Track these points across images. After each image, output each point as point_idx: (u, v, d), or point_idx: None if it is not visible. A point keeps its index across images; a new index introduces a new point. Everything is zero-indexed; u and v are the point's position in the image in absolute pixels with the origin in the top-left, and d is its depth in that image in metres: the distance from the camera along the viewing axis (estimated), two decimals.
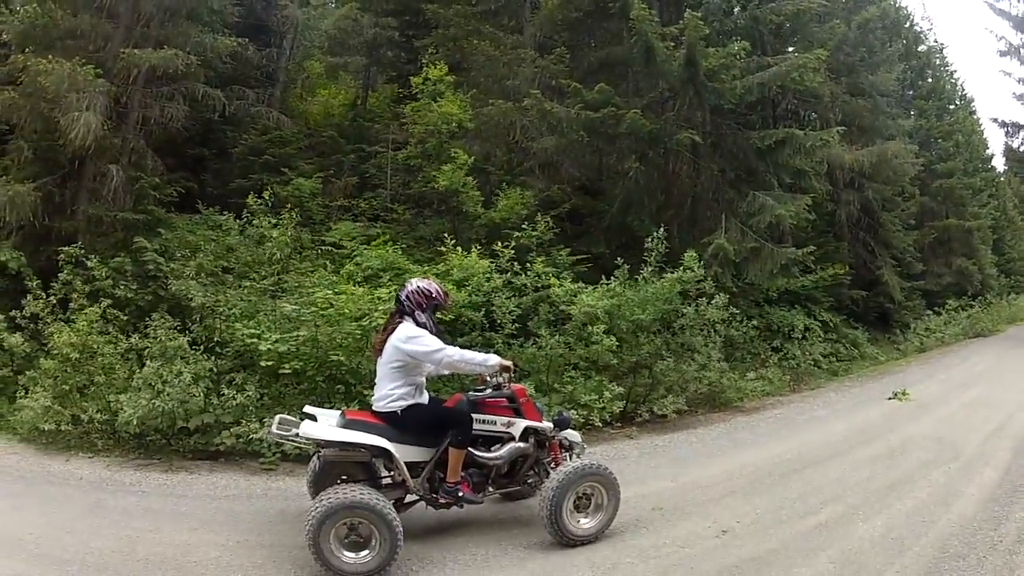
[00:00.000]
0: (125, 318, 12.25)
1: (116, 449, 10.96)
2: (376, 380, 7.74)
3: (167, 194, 16.82)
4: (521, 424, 7.93)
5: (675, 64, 17.64)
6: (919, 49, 44.75)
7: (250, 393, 11.03)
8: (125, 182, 15.28)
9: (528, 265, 14.57)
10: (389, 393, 7.47)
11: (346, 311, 11.57)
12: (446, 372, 8.35)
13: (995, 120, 36.86)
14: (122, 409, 10.51)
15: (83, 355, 11.25)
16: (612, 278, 14.52)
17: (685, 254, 14.99)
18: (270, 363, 11.14)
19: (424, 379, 7.95)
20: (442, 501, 7.58)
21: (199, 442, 10.87)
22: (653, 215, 19.08)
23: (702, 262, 15.55)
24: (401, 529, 6.79)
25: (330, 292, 12.01)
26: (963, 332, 35.39)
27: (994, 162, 53.91)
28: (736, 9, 22.23)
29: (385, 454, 7.19)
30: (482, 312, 13.80)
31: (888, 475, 10.38)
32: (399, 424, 7.38)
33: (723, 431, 13.87)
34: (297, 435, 7.33)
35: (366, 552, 6.73)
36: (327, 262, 15.33)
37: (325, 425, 7.32)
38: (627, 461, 11.35)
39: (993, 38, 36.67)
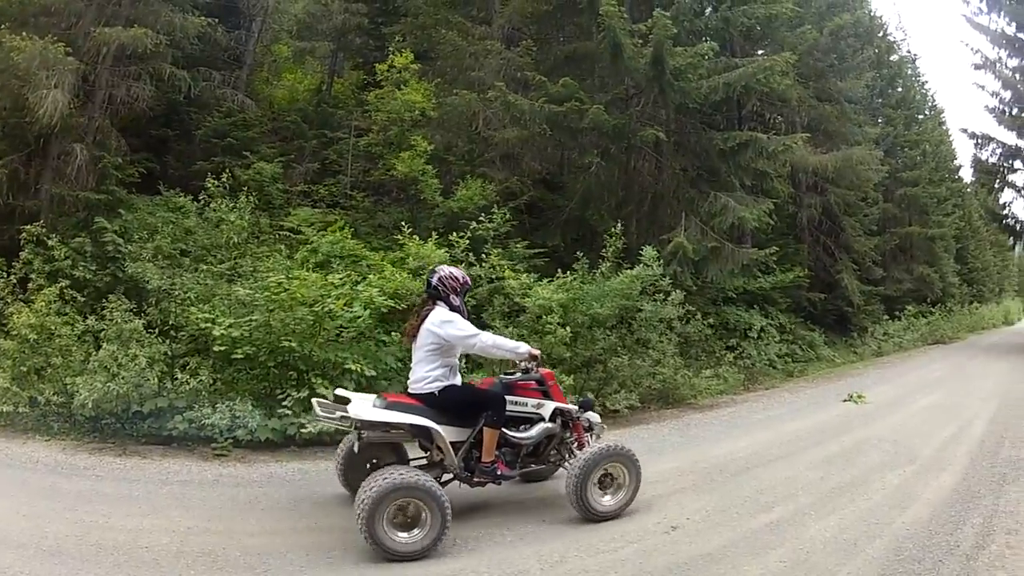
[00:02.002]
0: (83, 299, 12.24)
1: (72, 432, 10.92)
2: (412, 364, 7.96)
3: (129, 175, 16.62)
4: (551, 406, 8.34)
5: (642, 61, 17.66)
6: (891, 58, 45.09)
7: (203, 378, 11.05)
8: (89, 161, 15.10)
9: (483, 256, 14.61)
10: (426, 375, 7.69)
11: (298, 296, 11.46)
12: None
13: (965, 131, 36.99)
14: (78, 392, 10.50)
15: (41, 336, 11.25)
16: (569, 272, 14.76)
17: (645, 251, 15.28)
18: (223, 348, 11.10)
19: (458, 361, 8.25)
20: (477, 479, 7.90)
21: (152, 426, 10.79)
22: (612, 211, 19.09)
23: (661, 259, 15.73)
24: (450, 508, 7.03)
25: (283, 277, 11.85)
26: (922, 338, 35.82)
27: (962, 173, 54.39)
28: (708, 10, 22.05)
29: (426, 434, 7.49)
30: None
31: (841, 476, 10.40)
32: (436, 404, 7.60)
33: (676, 428, 13.94)
34: (343, 417, 7.53)
35: (416, 531, 6.94)
36: (283, 247, 15.16)
37: (369, 407, 7.45)
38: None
39: (969, 51, 36.76)
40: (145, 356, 10.84)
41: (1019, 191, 36.48)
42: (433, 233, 14.91)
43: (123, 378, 10.48)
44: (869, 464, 11.16)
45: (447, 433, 7.54)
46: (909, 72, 51.40)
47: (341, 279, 12.30)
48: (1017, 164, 36.06)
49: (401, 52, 19.51)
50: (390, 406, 7.49)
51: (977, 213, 52.14)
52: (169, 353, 11.44)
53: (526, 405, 8.23)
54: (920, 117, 49.03)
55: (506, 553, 7.19)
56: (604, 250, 15.30)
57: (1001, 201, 38.99)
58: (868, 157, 27.23)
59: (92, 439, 10.74)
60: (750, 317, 22.20)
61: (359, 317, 11.79)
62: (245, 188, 15.79)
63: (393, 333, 12.41)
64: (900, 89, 45.67)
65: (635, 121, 18.54)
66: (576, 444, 8.43)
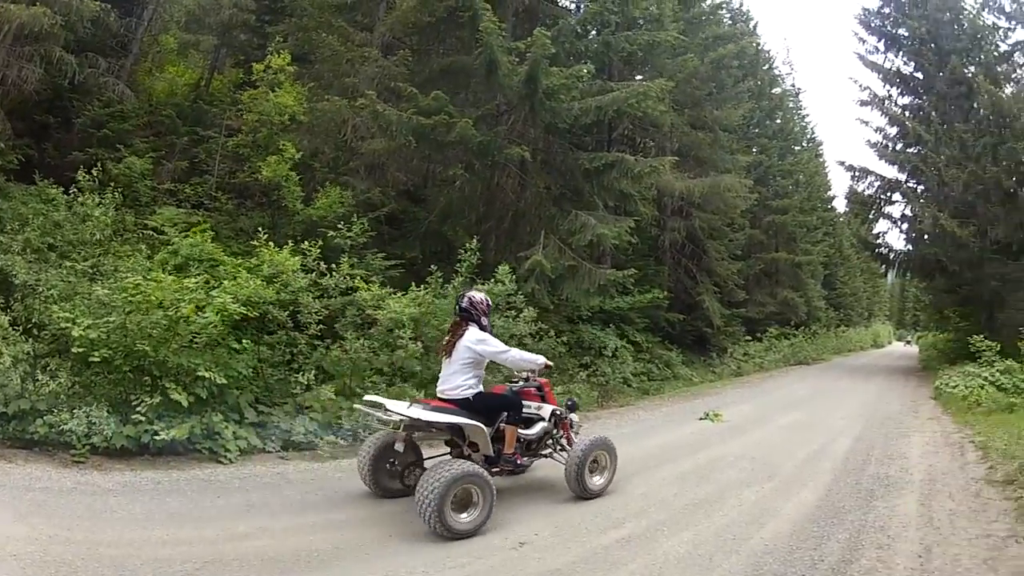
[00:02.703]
0: None
1: None
2: (444, 374, 9.21)
3: (9, 161, 16.37)
4: (548, 408, 10.03)
5: (516, 79, 17.85)
6: (774, 91, 46.63)
7: (62, 380, 10.58)
8: None
9: (336, 266, 14.36)
10: (462, 383, 8.98)
11: (153, 299, 11.07)
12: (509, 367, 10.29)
13: (842, 164, 38.32)
14: None
15: None
16: (423, 286, 14.69)
17: (499, 267, 15.34)
18: (82, 350, 10.50)
19: (484, 372, 9.55)
20: (495, 469, 9.11)
21: (16, 429, 10.35)
22: (472, 226, 19.12)
23: (517, 276, 15.91)
24: (495, 492, 8.28)
25: (141, 279, 11.42)
26: (784, 359, 36.79)
27: (837, 203, 56.10)
28: (593, 33, 22.31)
29: (460, 431, 8.81)
30: (288, 312, 13.45)
31: (696, 492, 10.38)
32: (471, 408, 8.87)
33: None
34: (393, 416, 8.48)
35: (473, 511, 8.05)
36: (144, 247, 14.70)
37: (419, 409, 8.54)
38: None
39: (856, 88, 37.85)
40: (10, 355, 10.41)
41: (895, 222, 37.68)
42: (290, 241, 14.43)
43: None
44: (725, 481, 11.19)
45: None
46: (791, 105, 53.13)
47: (196, 283, 11.71)
48: (896, 196, 37.21)
49: (280, 53, 19.29)
50: (435, 409, 8.69)
51: (849, 242, 53.29)
52: (32, 352, 10.96)
53: (530, 407, 9.84)
54: (797, 148, 50.79)
55: (355, 569, 7.14)
56: (458, 264, 15.37)
57: (875, 231, 40.05)
58: (737, 185, 27.77)
59: None
60: (605, 336, 22.59)
61: (211, 323, 11.32)
62: (113, 183, 15.35)
63: (245, 341, 12.40)
64: (779, 120, 47.25)
65: (502, 138, 18.60)
66: (564, 439, 10.10)
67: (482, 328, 9.38)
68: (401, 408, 8.45)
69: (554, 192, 20.32)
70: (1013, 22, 33.82)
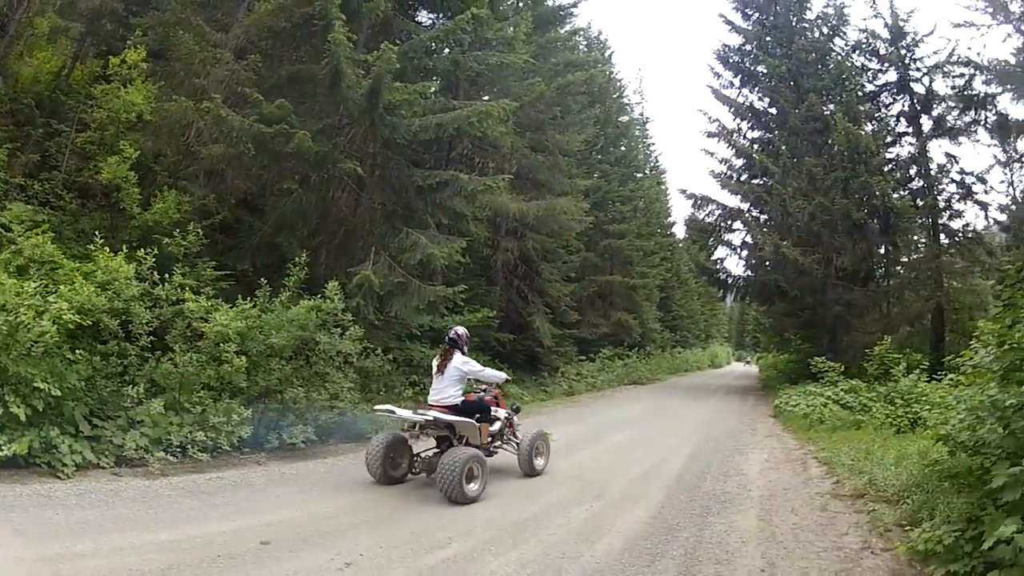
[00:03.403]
0: None
1: None
2: (436, 386, 12.74)
3: None
4: (503, 411, 14.01)
5: (359, 92, 17.91)
6: (621, 119, 47.99)
7: None
8: None
9: (170, 275, 14.10)
10: (451, 394, 12.60)
11: None
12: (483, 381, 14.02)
13: (684, 192, 39.58)
14: None
15: None
16: (251, 299, 14.70)
17: (329, 283, 15.48)
18: None
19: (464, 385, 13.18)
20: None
21: None
22: (304, 239, 19.28)
23: (347, 292, 16.15)
24: (487, 469, 11.90)
25: None
26: (618, 379, 38.04)
27: (678, 228, 58.71)
28: (446, 51, 22.35)
29: (452, 428, 12.26)
30: (119, 321, 12.99)
31: (523, 511, 10.62)
32: (459, 411, 12.42)
33: (353, 462, 13.89)
34: (419, 418, 12.28)
35: (474, 483, 11.36)
36: None
37: (429, 413, 12.21)
38: (254, 488, 11.55)
39: (706, 120, 39.29)
40: None
41: (734, 249, 39.52)
42: (125, 246, 13.93)
43: None
44: (553, 500, 11.49)
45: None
46: (637, 133, 54.91)
47: (36, 287, 11.54)
48: (737, 224, 39.00)
49: (137, 47, 18.65)
50: (441, 412, 12.21)
51: (687, 266, 55.10)
52: None
53: (492, 410, 13.43)
54: (639, 175, 52.38)
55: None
56: (286, 279, 15.43)
57: (714, 257, 41.84)
58: (573, 208, 28.83)
59: None
60: (435, 354, 22.11)
61: (47, 332, 10.95)
62: None
63: (79, 351, 11.99)
64: (623, 148, 48.59)
65: (340, 151, 18.75)
66: (511, 433, 14.11)
67: (463, 353, 13.05)
68: (430, 412, 12.16)
69: (388, 208, 20.53)
70: (885, 64, 35.96)
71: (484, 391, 14.10)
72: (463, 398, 12.86)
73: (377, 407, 13.19)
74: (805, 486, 13.21)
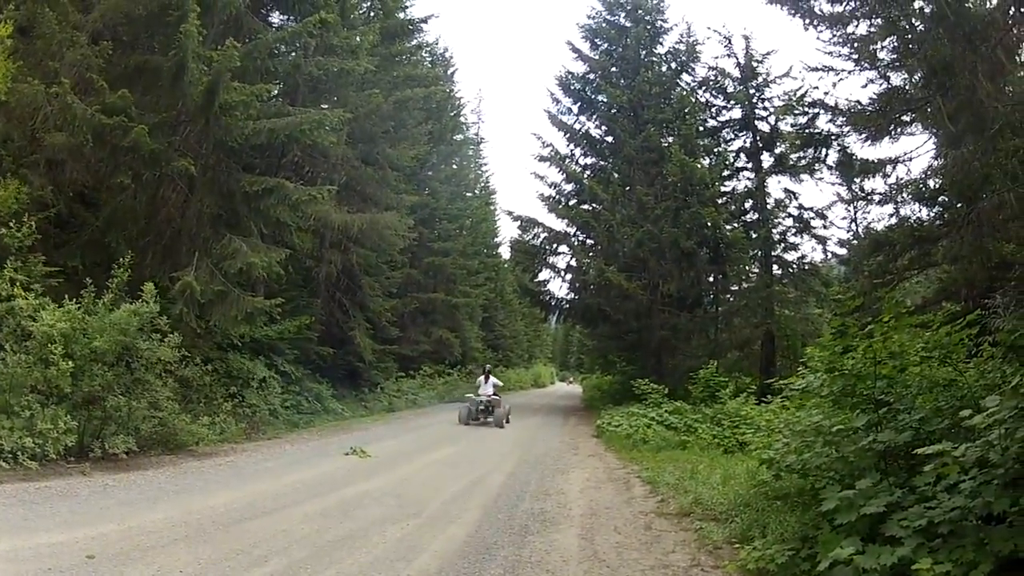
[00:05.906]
0: None
1: None
2: (482, 388, 29.58)
3: None
4: (504, 401, 29.82)
5: (199, 89, 17.62)
6: (456, 137, 48.66)
7: None
8: None
9: (2, 269, 13.75)
10: (491, 392, 29.10)
11: None
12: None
13: (510, 214, 39.67)
14: None
15: None
16: (76, 299, 14.20)
17: (145, 286, 14.99)
18: None
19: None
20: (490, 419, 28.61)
21: None
22: (133, 239, 18.62)
23: (169, 298, 15.98)
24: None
25: None
26: (439, 396, 38.75)
27: (504, 249, 58.89)
28: (293, 55, 22.63)
29: (491, 404, 28.76)
30: None
31: (340, 529, 10.37)
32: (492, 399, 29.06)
33: (172, 475, 13.72)
34: (483, 399, 29.20)
35: (507, 422, 28.38)
36: None
37: (488, 397, 29.09)
38: (78, 499, 11.15)
39: (539, 144, 39.50)
40: None
41: (558, 272, 40.33)
42: None
43: None
44: (370, 517, 11.20)
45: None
46: (470, 152, 55.77)
47: None
48: (562, 248, 39.63)
49: (5, 22, 16.86)
50: (487, 398, 28.85)
51: (512, 287, 55.21)
52: None
53: (500, 400, 29.35)
54: (468, 195, 53.16)
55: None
56: (110, 280, 14.87)
57: (538, 279, 42.32)
58: (398, 223, 29.41)
59: None
60: (254, 366, 22.82)
61: None
62: None
63: None
64: (455, 166, 49.23)
65: (175, 149, 18.35)
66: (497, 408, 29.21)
67: (491, 374, 30.15)
68: (481, 397, 28.81)
69: (214, 212, 20.04)
70: (731, 102, 37.01)
71: (496, 395, 29.29)
72: (493, 394, 29.06)
73: (467, 395, 30.66)
74: (628, 505, 13.25)
